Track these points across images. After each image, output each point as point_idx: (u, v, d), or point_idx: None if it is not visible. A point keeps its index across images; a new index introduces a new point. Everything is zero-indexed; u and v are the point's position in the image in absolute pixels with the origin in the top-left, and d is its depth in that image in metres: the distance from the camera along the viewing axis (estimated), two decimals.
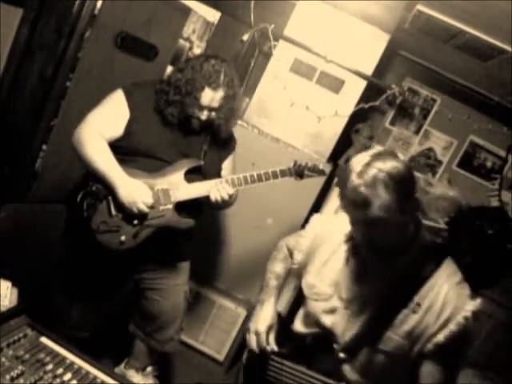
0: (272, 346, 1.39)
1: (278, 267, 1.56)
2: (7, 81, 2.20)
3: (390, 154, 1.14)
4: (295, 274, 1.54)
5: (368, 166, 1.10)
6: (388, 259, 1.21)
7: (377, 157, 1.12)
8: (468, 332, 1.15)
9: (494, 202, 2.65)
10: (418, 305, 1.17)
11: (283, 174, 1.87)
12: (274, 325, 1.44)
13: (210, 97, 1.71)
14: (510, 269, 2.29)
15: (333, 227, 1.39)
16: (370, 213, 1.08)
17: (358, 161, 1.13)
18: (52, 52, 2.19)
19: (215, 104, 1.73)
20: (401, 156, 1.16)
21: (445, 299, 1.16)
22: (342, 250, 1.32)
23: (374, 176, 1.08)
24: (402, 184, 1.09)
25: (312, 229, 1.47)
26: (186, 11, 2.85)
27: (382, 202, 1.07)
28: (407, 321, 1.18)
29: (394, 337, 1.19)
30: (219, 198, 1.75)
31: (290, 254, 1.56)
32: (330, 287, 1.32)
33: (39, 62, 2.20)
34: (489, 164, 2.77)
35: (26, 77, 2.21)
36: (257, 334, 1.41)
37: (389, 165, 1.09)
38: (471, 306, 1.15)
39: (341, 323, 1.28)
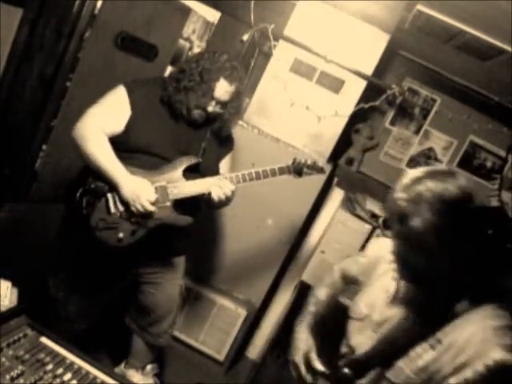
0: (319, 368, 1.33)
1: (321, 292, 1.53)
2: (7, 81, 2.20)
3: (449, 175, 1.04)
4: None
5: (417, 182, 1.02)
6: (421, 286, 1.13)
7: (431, 174, 1.03)
8: (488, 383, 0.97)
9: (494, 202, 2.64)
10: (439, 341, 1.05)
11: (282, 171, 1.87)
12: (311, 349, 1.39)
13: (224, 89, 1.74)
14: (510, 269, 2.29)
15: (389, 250, 1.33)
16: (405, 228, 1.03)
17: (409, 174, 1.06)
18: (52, 52, 2.19)
19: (226, 97, 1.76)
20: (463, 178, 1.04)
21: (467, 341, 1.01)
22: (389, 272, 1.26)
23: (420, 194, 1.01)
24: (451, 210, 0.99)
25: (371, 249, 1.45)
26: (186, 11, 2.85)
27: (420, 222, 1.00)
28: (423, 356, 1.07)
29: (406, 370, 1.09)
30: (222, 196, 1.76)
31: (343, 277, 1.52)
32: (367, 308, 1.28)
33: (39, 62, 2.20)
34: (489, 164, 2.77)
35: (25, 77, 2.21)
36: (294, 365, 1.38)
37: (441, 186, 1.00)
38: (497, 354, 0.95)
39: (364, 345, 1.23)
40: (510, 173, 2.74)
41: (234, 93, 1.77)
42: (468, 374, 0.98)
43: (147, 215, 1.71)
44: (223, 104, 1.78)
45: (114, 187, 1.68)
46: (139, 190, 1.66)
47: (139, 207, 1.67)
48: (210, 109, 1.76)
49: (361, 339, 1.26)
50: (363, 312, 1.29)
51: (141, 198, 1.65)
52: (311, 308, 1.51)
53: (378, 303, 1.25)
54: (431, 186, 1.00)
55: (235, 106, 1.82)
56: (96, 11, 2.31)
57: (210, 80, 1.72)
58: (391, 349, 1.14)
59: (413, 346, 1.09)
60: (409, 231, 1.02)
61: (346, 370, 1.20)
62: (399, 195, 1.03)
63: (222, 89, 1.74)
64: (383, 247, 1.39)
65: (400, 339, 1.13)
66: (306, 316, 1.49)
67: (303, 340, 1.41)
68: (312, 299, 1.54)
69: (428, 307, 1.12)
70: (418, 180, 1.03)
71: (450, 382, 1.00)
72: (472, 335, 1.02)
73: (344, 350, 1.33)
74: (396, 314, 1.18)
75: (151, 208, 1.68)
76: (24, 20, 2.13)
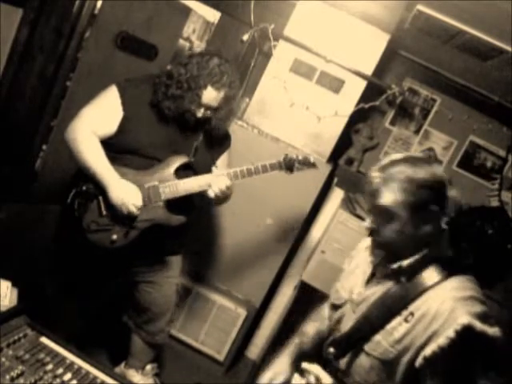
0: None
1: (306, 325, 1.56)
2: (7, 81, 2.19)
3: (426, 162, 1.17)
4: None
5: (392, 164, 1.17)
6: (391, 261, 1.21)
7: (408, 159, 1.17)
8: (460, 348, 1.03)
9: (494, 202, 2.64)
10: (411, 314, 1.13)
11: (273, 167, 1.86)
12: (281, 377, 1.43)
13: (212, 96, 1.72)
14: (510, 269, 2.29)
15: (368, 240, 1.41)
16: (377, 201, 1.17)
17: (390, 157, 1.20)
18: (52, 52, 2.19)
19: (214, 103, 1.74)
20: (438, 167, 1.18)
21: (437, 311, 1.09)
22: (367, 258, 1.35)
23: (392, 174, 1.15)
24: (419, 191, 1.13)
25: (361, 243, 1.50)
26: (186, 11, 2.85)
27: (390, 196, 1.14)
28: (398, 329, 1.15)
29: (383, 343, 1.16)
30: (218, 191, 1.75)
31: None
32: (347, 292, 1.35)
33: (39, 62, 2.20)
34: (489, 164, 2.77)
35: (26, 77, 2.21)
36: None
37: (411, 170, 1.14)
38: (465, 319, 1.03)
39: (345, 326, 1.29)
40: (510, 173, 2.74)
41: (223, 98, 1.74)
42: (441, 341, 1.05)
43: (134, 219, 1.71)
44: (214, 109, 1.76)
45: (103, 189, 1.68)
46: (126, 194, 1.65)
47: (125, 211, 1.67)
48: (199, 115, 1.74)
49: (343, 322, 1.32)
50: (343, 297, 1.36)
51: (126, 202, 1.65)
52: (293, 339, 1.54)
53: (356, 286, 1.32)
54: (402, 168, 1.15)
55: (224, 111, 1.79)
56: (96, 11, 2.31)
57: (197, 88, 1.69)
58: (369, 325, 1.21)
59: (387, 321, 1.17)
60: (380, 206, 1.17)
61: (331, 350, 1.28)
62: (374, 174, 1.19)
63: (210, 96, 1.71)
64: (365, 240, 1.46)
65: (376, 316, 1.20)
66: (287, 345, 1.52)
67: (274, 371, 1.44)
68: (296, 333, 1.56)
69: (400, 283, 1.19)
70: (393, 162, 1.18)
71: (426, 352, 1.07)
72: (442, 305, 1.09)
73: (330, 334, 1.38)
74: (372, 293, 1.25)
75: (136, 213, 1.68)
76: (24, 20, 2.12)
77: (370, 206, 1.21)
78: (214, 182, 1.76)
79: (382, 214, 1.18)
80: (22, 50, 2.17)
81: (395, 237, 1.18)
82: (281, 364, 1.47)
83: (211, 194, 1.76)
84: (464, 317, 1.04)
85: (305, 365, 1.28)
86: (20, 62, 2.19)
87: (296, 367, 1.40)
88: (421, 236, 1.17)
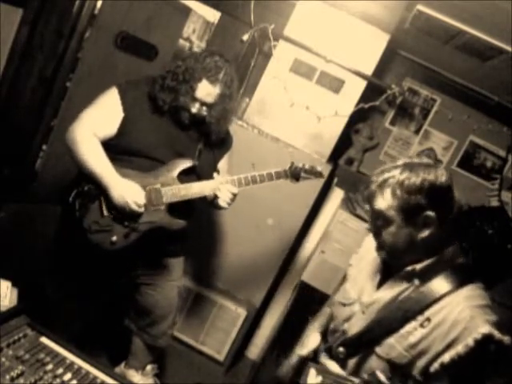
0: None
1: (313, 322, 1.57)
2: (7, 81, 2.19)
3: (424, 168, 1.16)
4: None
5: (389, 170, 1.18)
6: (399, 265, 1.22)
7: (406, 165, 1.18)
8: (479, 356, 1.06)
9: (494, 202, 2.64)
10: (428, 320, 1.14)
11: (278, 176, 1.85)
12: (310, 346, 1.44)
13: (206, 90, 1.70)
14: (510, 269, 2.29)
15: None
16: (373, 205, 1.20)
17: (388, 164, 1.22)
18: (52, 52, 2.19)
19: (209, 99, 1.72)
20: (441, 172, 1.16)
21: (456, 318, 1.10)
22: (377, 259, 1.36)
23: (386, 180, 1.17)
24: (411, 197, 1.14)
25: (365, 241, 1.51)
26: (186, 11, 2.85)
27: (384, 201, 1.17)
28: (414, 333, 1.15)
29: (398, 346, 1.16)
30: (228, 200, 1.77)
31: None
32: (356, 292, 1.36)
33: (39, 62, 2.20)
34: (489, 164, 2.77)
35: (26, 77, 2.21)
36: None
37: (405, 175, 1.14)
38: (484, 329, 1.05)
39: (355, 326, 1.29)
40: (510, 173, 2.74)
41: (218, 95, 1.71)
42: (460, 348, 1.07)
43: (137, 218, 1.70)
44: (209, 105, 1.73)
45: (104, 190, 1.67)
46: (127, 192, 1.64)
47: (127, 210, 1.66)
48: (194, 110, 1.72)
49: (351, 322, 1.32)
50: (352, 297, 1.36)
51: (129, 201, 1.64)
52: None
53: (366, 287, 1.33)
54: (397, 174, 1.16)
55: (219, 109, 1.75)
56: (96, 11, 2.31)
57: (191, 80, 1.68)
58: (381, 328, 1.21)
59: (401, 325, 1.17)
60: (375, 210, 1.20)
61: (341, 349, 1.28)
62: (371, 179, 1.21)
63: (205, 90, 1.69)
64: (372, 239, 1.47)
65: (389, 319, 1.20)
66: (309, 327, 1.53)
67: (311, 341, 1.44)
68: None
69: (412, 286, 1.20)
70: (390, 167, 1.19)
71: (444, 359, 1.09)
72: (460, 313, 1.10)
73: (336, 333, 1.38)
74: (383, 295, 1.25)
75: (139, 211, 1.67)
76: (24, 20, 2.12)
77: (368, 209, 1.24)
78: (219, 189, 1.75)
79: (379, 218, 1.20)
80: (22, 50, 2.17)
81: (393, 240, 1.19)
82: (311, 333, 1.47)
83: (223, 204, 1.77)
84: (484, 326, 1.05)
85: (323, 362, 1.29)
86: (20, 62, 2.19)
87: (312, 361, 1.40)
88: (420, 241, 1.17)
